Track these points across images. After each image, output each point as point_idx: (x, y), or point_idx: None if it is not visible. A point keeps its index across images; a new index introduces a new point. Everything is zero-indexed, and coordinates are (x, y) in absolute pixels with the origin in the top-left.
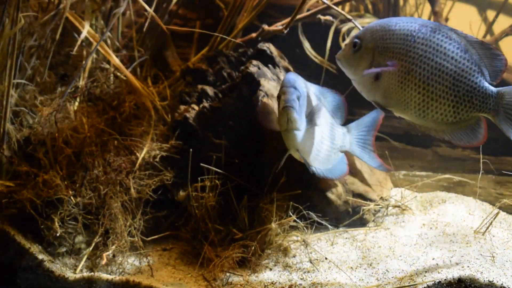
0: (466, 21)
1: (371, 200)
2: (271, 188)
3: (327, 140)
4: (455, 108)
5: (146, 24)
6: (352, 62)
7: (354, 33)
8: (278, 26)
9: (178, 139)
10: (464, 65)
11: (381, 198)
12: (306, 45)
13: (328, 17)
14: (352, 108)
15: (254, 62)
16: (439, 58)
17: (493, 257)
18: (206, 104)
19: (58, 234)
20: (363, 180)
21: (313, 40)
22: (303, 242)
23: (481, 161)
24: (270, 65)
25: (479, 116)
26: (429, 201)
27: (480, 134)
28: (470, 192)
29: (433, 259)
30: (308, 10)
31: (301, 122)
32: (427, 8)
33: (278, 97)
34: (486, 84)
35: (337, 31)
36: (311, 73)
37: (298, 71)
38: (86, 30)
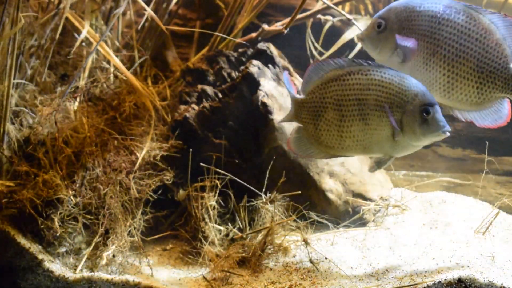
0: None
1: (371, 200)
2: (271, 188)
3: None
4: (478, 89)
5: (143, 22)
6: (376, 43)
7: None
8: (278, 26)
9: (178, 139)
10: (488, 47)
11: (381, 198)
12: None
13: (328, 17)
14: None
15: (254, 62)
16: (464, 40)
17: (493, 257)
18: (206, 104)
19: (58, 234)
20: (363, 180)
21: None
22: (303, 242)
23: (486, 160)
24: (270, 65)
25: (503, 97)
26: (429, 201)
27: (504, 114)
28: (470, 192)
29: (433, 259)
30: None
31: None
32: None
33: (426, 112)
34: (510, 66)
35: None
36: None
37: (298, 71)
38: (86, 30)
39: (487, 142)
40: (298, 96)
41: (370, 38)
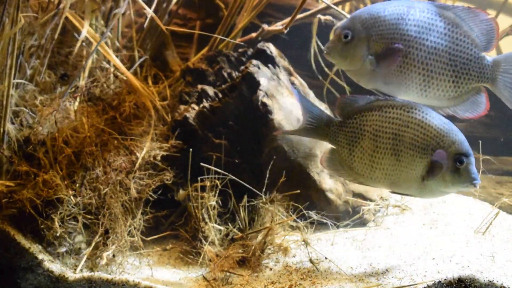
0: None
1: (371, 200)
2: (271, 187)
3: None
4: (455, 83)
5: (145, 23)
6: (345, 54)
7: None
8: (278, 26)
9: (178, 139)
10: (458, 40)
11: (381, 198)
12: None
13: (328, 17)
14: None
15: (254, 62)
16: (433, 36)
17: (493, 257)
18: (206, 104)
19: (58, 234)
20: None
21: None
22: (303, 242)
23: (481, 159)
24: (270, 65)
25: (479, 87)
26: (429, 201)
27: (482, 103)
28: (470, 192)
29: (433, 259)
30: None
31: None
32: None
33: (460, 161)
34: (481, 54)
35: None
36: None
37: (298, 71)
38: (85, 29)
39: (480, 141)
40: (336, 118)
41: (337, 50)
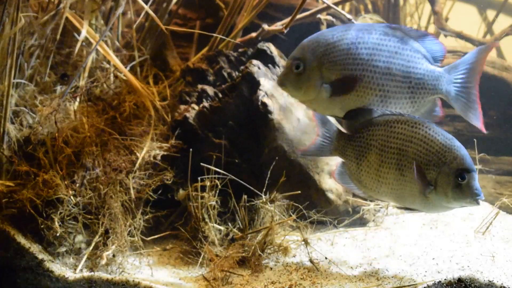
0: (466, 21)
1: (371, 200)
2: (271, 187)
3: None
4: (411, 99)
5: (141, 21)
6: (299, 84)
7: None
8: (278, 25)
9: (178, 139)
10: (409, 56)
11: None
12: None
13: (328, 17)
14: None
15: (254, 62)
16: (385, 56)
17: (493, 257)
18: (206, 104)
19: (58, 234)
20: None
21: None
22: (303, 242)
23: (477, 157)
24: (270, 65)
25: (434, 98)
26: None
27: (437, 111)
28: None
29: (433, 259)
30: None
31: None
32: (427, 8)
33: (462, 177)
34: (433, 67)
35: None
36: None
37: None
38: (85, 29)
39: (475, 140)
40: (345, 131)
41: (290, 81)
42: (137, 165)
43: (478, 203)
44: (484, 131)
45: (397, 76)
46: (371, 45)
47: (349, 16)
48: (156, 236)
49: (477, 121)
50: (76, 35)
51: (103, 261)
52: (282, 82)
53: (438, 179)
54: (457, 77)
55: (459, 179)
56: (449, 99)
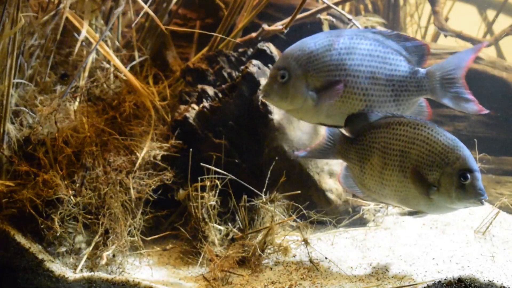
0: (466, 21)
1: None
2: (271, 187)
3: None
4: (396, 101)
5: (140, 21)
6: (285, 94)
7: None
8: (278, 25)
9: (178, 139)
10: (390, 58)
11: None
12: None
13: (328, 17)
14: None
15: (254, 61)
16: (367, 60)
17: (493, 257)
18: (206, 104)
19: (58, 234)
20: None
21: None
22: (303, 242)
23: (477, 157)
24: (270, 65)
25: (420, 99)
26: None
27: (425, 111)
28: None
29: (433, 259)
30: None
31: None
32: (427, 8)
33: (464, 177)
34: (416, 68)
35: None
36: None
37: None
38: (85, 29)
39: (475, 140)
40: (347, 134)
41: (275, 91)
42: (137, 165)
43: (482, 203)
44: (485, 111)
45: (380, 80)
46: (353, 50)
47: (349, 16)
48: (156, 236)
49: (473, 106)
50: (76, 35)
51: (103, 261)
52: (267, 93)
53: (441, 180)
54: (441, 75)
55: (462, 179)
56: (437, 97)
